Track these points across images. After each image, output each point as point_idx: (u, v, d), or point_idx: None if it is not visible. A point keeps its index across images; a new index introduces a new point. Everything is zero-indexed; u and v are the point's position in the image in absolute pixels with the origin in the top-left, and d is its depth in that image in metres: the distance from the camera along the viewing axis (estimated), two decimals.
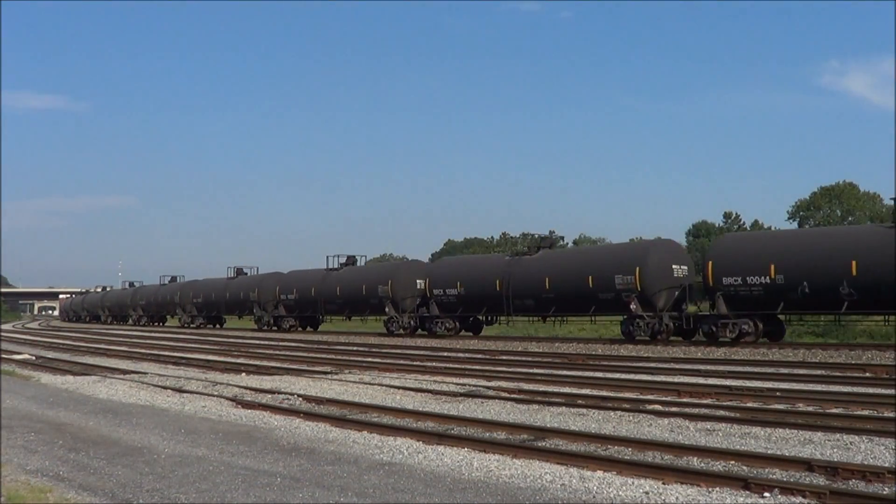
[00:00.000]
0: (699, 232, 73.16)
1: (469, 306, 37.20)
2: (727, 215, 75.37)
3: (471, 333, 38.98)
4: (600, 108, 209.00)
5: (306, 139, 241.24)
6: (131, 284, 71.26)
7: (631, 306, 29.87)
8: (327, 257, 47.87)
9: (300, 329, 49.38)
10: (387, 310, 41.11)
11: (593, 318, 35.77)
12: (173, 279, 68.38)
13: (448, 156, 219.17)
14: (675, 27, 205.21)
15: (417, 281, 40.45)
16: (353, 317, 46.73)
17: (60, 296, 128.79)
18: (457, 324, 38.26)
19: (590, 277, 31.41)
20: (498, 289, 34.85)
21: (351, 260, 46.97)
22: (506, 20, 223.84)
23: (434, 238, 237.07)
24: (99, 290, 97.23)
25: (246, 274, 57.54)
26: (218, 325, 62.25)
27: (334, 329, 49.52)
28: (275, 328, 50.19)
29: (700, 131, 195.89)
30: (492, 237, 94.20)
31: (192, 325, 60.67)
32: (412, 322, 40.21)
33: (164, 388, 18.52)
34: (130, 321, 74.22)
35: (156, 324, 70.56)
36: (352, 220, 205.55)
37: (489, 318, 39.01)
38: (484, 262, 39.51)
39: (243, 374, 22.30)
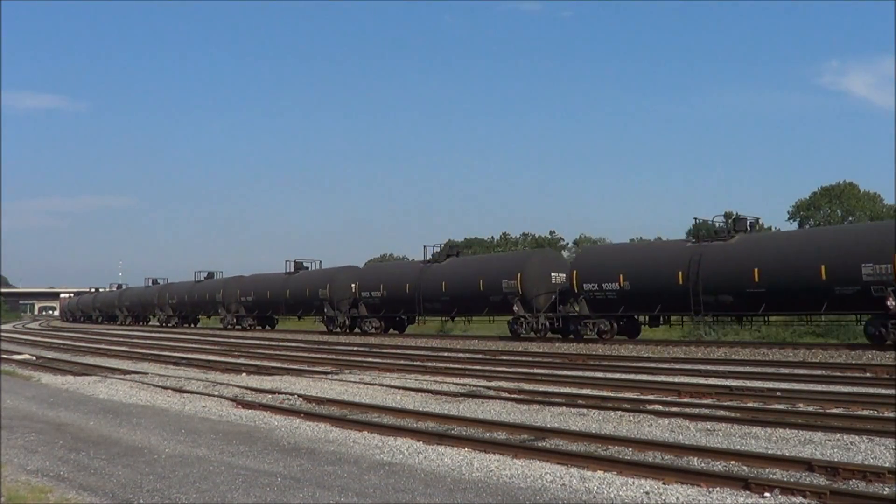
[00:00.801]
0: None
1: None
2: (727, 215, 75.28)
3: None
4: (601, 108, 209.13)
5: (306, 139, 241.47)
6: (155, 282, 72.42)
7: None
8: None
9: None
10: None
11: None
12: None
13: (449, 156, 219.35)
14: (675, 27, 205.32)
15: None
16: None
17: (62, 295, 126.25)
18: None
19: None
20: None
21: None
22: (506, 20, 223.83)
23: (435, 238, 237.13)
24: (107, 289, 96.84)
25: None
26: (192, 325, 66.56)
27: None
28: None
29: (700, 131, 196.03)
30: (492, 237, 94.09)
31: (168, 325, 65.31)
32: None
33: (165, 388, 18.53)
34: (156, 320, 76.21)
35: (141, 323, 74.68)
36: (352, 221, 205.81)
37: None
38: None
39: (244, 374, 22.31)
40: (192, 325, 65.75)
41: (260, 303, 52.44)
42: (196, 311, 64.23)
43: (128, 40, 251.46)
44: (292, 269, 50.66)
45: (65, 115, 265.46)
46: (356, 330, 43.42)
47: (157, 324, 68.40)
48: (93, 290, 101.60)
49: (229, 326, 55.16)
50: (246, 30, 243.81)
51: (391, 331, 42.83)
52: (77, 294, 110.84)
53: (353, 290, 42.91)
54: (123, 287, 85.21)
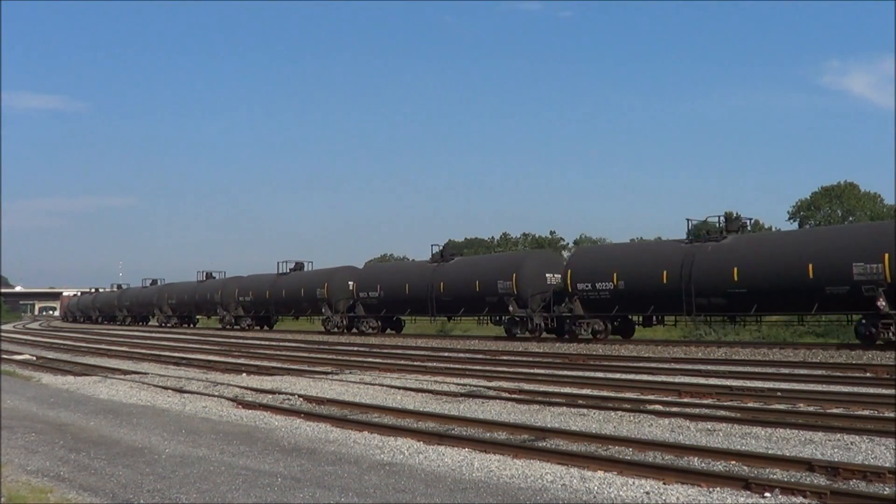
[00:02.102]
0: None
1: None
2: (727, 215, 75.29)
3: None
4: (601, 108, 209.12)
5: (307, 140, 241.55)
6: (154, 282, 72.78)
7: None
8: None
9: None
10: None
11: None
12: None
13: (449, 156, 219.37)
14: (675, 27, 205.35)
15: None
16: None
17: (65, 293, 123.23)
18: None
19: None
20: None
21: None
22: (506, 20, 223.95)
23: (435, 238, 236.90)
24: (108, 289, 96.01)
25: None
26: (191, 325, 66.52)
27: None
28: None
29: (700, 131, 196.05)
30: (492, 237, 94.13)
31: (167, 325, 65.16)
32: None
33: (165, 388, 18.52)
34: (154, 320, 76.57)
35: (141, 323, 74.52)
36: (352, 221, 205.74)
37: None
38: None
39: (244, 374, 22.31)
40: (192, 326, 66.10)
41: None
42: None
43: (128, 40, 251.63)
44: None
45: (65, 115, 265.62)
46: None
47: (157, 324, 68.80)
48: (93, 290, 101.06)
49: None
50: (246, 30, 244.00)
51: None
52: (82, 293, 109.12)
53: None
54: (124, 287, 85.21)
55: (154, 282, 72.63)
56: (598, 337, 30.74)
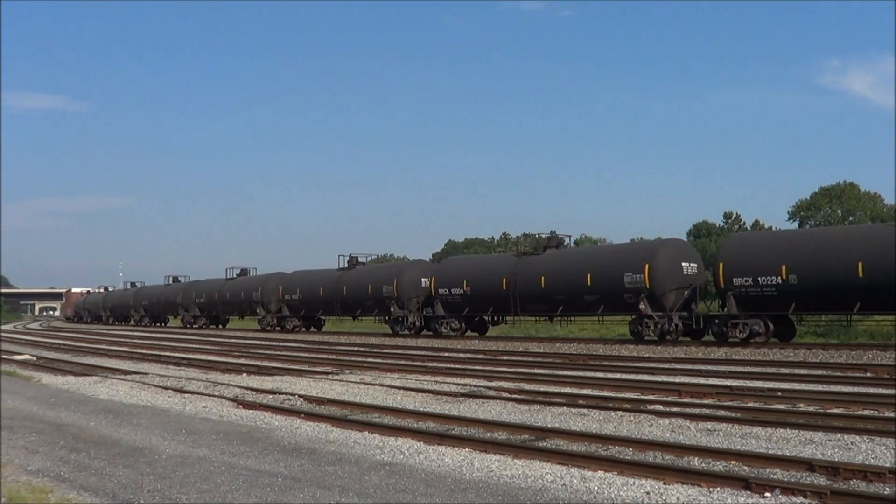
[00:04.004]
0: (699, 232, 73.15)
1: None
2: (727, 215, 75.36)
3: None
4: (601, 108, 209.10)
5: (306, 139, 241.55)
6: (175, 279, 68.00)
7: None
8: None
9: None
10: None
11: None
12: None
13: (449, 156, 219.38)
14: (675, 26, 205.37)
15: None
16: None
17: (73, 290, 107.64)
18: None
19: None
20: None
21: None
22: (506, 20, 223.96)
23: (435, 238, 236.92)
24: (112, 288, 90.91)
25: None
26: (220, 326, 62.43)
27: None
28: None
29: (700, 131, 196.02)
30: (493, 237, 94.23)
31: (194, 326, 61.24)
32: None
33: (166, 388, 18.53)
34: (131, 321, 74.17)
35: (160, 325, 70.55)
36: (352, 221, 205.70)
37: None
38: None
39: (244, 374, 22.31)
40: (221, 327, 61.38)
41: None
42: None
43: (128, 40, 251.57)
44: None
45: (65, 115, 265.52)
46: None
47: (181, 325, 63.63)
48: (101, 288, 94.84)
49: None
50: (246, 30, 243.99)
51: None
52: (88, 292, 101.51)
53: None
54: (139, 285, 76.76)
55: (176, 279, 67.74)
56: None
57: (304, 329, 49.89)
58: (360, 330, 49.27)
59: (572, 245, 45.17)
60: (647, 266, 29.64)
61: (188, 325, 61.86)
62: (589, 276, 31.33)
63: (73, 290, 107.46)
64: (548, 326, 39.37)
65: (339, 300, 45.65)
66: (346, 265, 47.36)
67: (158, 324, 70.59)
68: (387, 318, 42.69)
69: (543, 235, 36.85)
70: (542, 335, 38.13)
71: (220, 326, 62.20)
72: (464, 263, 41.14)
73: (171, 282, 68.48)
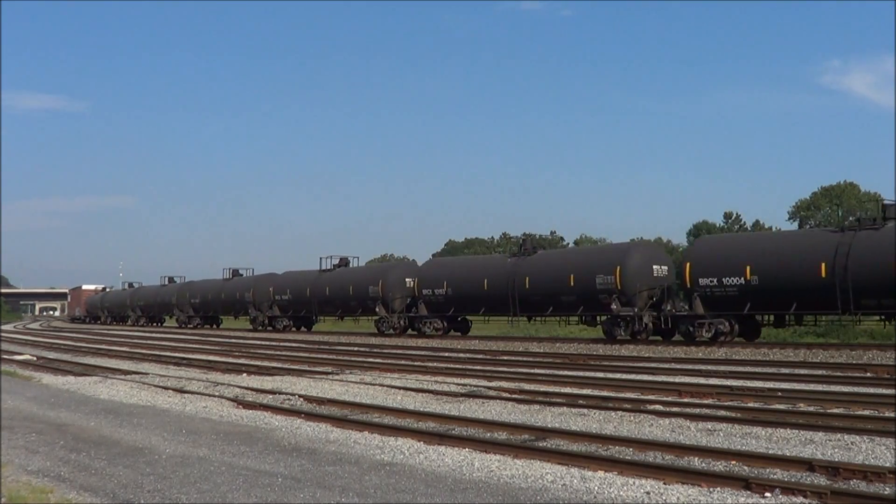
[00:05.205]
0: (700, 232, 73.20)
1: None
2: (727, 215, 75.41)
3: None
4: (601, 108, 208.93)
5: (306, 139, 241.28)
6: (171, 280, 68.65)
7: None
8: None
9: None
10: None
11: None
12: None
13: (449, 156, 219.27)
14: (675, 27, 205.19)
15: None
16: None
17: (85, 286, 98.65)
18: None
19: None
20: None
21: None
22: (506, 20, 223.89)
23: (435, 238, 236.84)
24: (120, 288, 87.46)
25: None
26: (214, 326, 63.88)
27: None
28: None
29: (700, 131, 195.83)
30: (492, 237, 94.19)
31: (189, 326, 62.00)
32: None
33: (166, 388, 18.53)
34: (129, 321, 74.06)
35: (156, 324, 71.14)
36: (352, 221, 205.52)
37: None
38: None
39: (244, 374, 22.31)
40: (215, 327, 62.68)
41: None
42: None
43: (128, 40, 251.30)
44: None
45: (65, 115, 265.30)
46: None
47: (176, 325, 64.56)
48: (100, 288, 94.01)
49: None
50: (246, 30, 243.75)
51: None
52: (105, 289, 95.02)
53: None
54: (136, 286, 77.48)
55: (171, 280, 69.07)
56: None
57: (294, 329, 50.95)
58: (356, 330, 49.24)
59: (571, 245, 45.52)
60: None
61: (183, 325, 62.83)
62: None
63: (85, 287, 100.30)
64: (548, 326, 39.28)
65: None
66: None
67: (155, 324, 71.18)
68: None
69: (526, 236, 38.44)
70: (542, 335, 38.09)
71: (215, 326, 63.37)
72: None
73: (166, 282, 69.53)
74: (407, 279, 41.21)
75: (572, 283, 31.91)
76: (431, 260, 47.49)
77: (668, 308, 29.37)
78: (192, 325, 61.84)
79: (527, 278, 33.98)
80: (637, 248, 33.16)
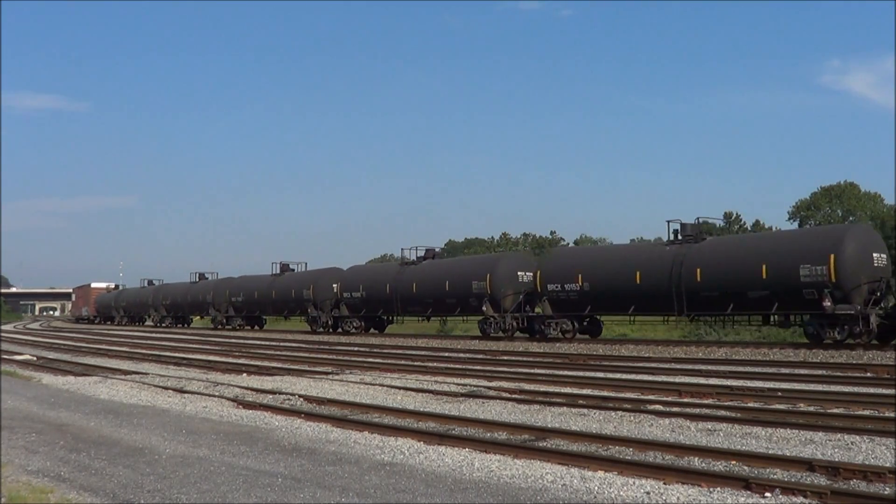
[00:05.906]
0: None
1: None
2: (727, 215, 75.36)
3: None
4: (600, 108, 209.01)
5: (306, 140, 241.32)
6: (150, 283, 70.18)
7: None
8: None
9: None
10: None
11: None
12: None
13: (449, 156, 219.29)
14: (675, 27, 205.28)
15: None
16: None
17: (94, 284, 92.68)
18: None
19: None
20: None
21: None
22: (505, 20, 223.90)
23: (435, 238, 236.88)
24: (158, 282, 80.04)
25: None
26: (256, 328, 58.62)
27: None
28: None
29: (700, 131, 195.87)
30: (492, 237, 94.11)
31: (226, 327, 57.04)
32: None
33: (166, 388, 18.53)
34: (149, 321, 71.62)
35: (137, 323, 71.78)
36: (352, 221, 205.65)
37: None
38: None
39: (244, 374, 22.32)
40: (186, 326, 66.48)
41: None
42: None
43: (128, 40, 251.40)
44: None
45: (64, 115, 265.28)
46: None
47: (152, 324, 69.22)
48: (112, 287, 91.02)
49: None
50: (246, 30, 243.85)
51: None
52: (117, 287, 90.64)
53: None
54: (157, 283, 74.66)
55: (151, 282, 73.09)
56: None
57: (365, 332, 48.93)
58: (450, 332, 49.71)
59: (572, 245, 46.38)
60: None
61: (219, 326, 57.58)
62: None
63: (94, 285, 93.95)
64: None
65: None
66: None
67: (180, 325, 66.50)
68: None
69: (537, 236, 40.23)
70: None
71: (257, 328, 56.94)
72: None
73: (196, 279, 65.42)
74: (520, 272, 36.61)
75: (765, 275, 27.10)
76: (559, 248, 47.13)
77: (890, 306, 25.70)
78: (230, 327, 56.43)
79: (698, 269, 28.86)
80: (854, 231, 27.90)
